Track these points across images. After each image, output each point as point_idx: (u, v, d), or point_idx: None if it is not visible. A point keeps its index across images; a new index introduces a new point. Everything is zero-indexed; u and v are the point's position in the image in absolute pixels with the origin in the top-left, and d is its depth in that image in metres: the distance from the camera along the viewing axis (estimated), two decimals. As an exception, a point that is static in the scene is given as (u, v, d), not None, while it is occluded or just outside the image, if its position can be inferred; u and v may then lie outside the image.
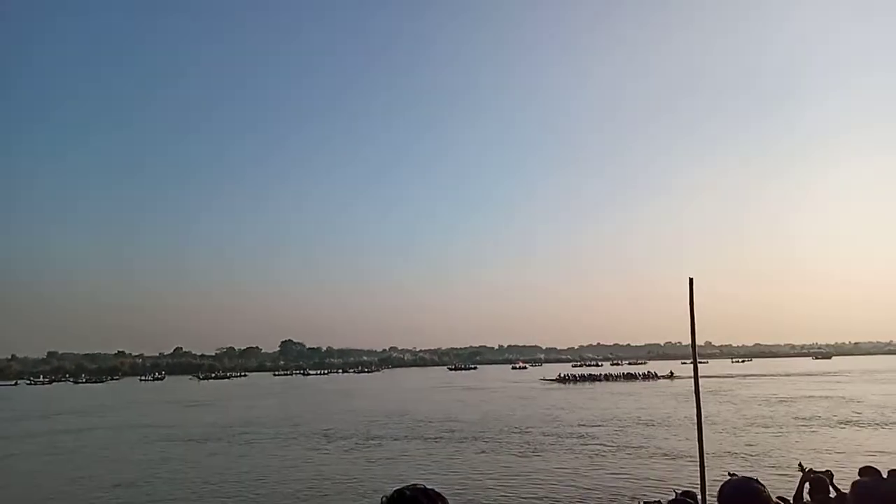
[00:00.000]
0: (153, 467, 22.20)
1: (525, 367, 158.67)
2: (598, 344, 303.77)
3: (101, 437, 32.55)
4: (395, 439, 27.47)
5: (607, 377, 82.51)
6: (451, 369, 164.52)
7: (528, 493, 16.32)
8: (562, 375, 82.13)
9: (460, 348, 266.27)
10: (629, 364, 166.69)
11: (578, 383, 76.01)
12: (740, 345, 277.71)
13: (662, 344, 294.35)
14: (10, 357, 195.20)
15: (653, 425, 30.02)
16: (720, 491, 2.16)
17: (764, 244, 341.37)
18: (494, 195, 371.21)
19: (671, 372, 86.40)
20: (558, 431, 28.35)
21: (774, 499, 2.20)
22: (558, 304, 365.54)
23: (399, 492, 1.72)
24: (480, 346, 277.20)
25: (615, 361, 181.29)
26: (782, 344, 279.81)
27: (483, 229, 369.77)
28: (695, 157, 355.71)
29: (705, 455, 6.32)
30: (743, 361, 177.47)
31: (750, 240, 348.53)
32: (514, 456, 22.23)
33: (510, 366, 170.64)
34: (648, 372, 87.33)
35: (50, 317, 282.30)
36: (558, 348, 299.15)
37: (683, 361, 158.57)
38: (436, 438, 27.29)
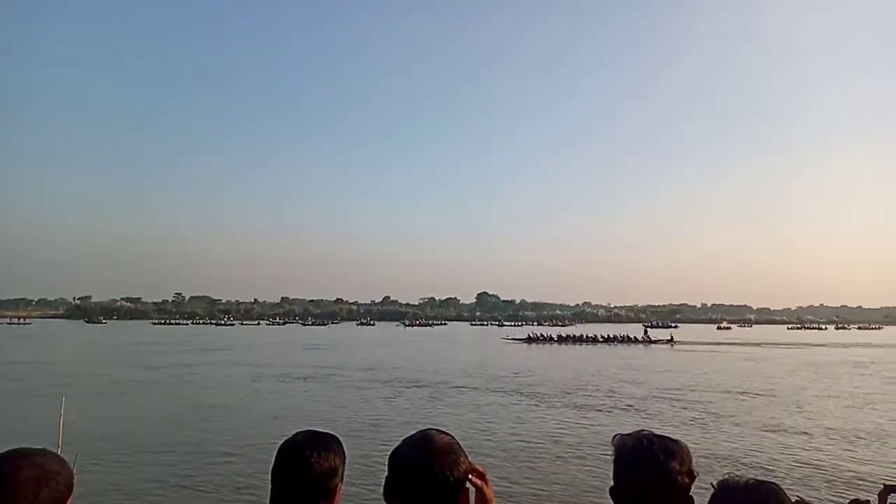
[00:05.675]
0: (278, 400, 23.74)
1: (730, 328, 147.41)
2: (822, 305, 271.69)
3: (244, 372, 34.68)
4: (473, 389, 27.13)
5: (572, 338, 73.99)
6: (647, 327, 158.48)
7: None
8: (530, 335, 76.07)
9: (659, 305, 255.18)
10: (858, 329, 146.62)
11: (547, 344, 70.31)
12: None
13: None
14: (252, 301, 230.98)
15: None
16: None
17: None
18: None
19: (671, 336, 76.29)
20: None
21: None
22: (772, 260, 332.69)
23: (645, 438, 1.56)
24: (681, 304, 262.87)
25: (840, 325, 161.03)
26: None
27: (688, 188, 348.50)
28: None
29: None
30: None
31: None
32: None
33: (714, 326, 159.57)
34: (641, 335, 75.15)
35: (283, 267, 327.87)
36: (771, 308, 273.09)
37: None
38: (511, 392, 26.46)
